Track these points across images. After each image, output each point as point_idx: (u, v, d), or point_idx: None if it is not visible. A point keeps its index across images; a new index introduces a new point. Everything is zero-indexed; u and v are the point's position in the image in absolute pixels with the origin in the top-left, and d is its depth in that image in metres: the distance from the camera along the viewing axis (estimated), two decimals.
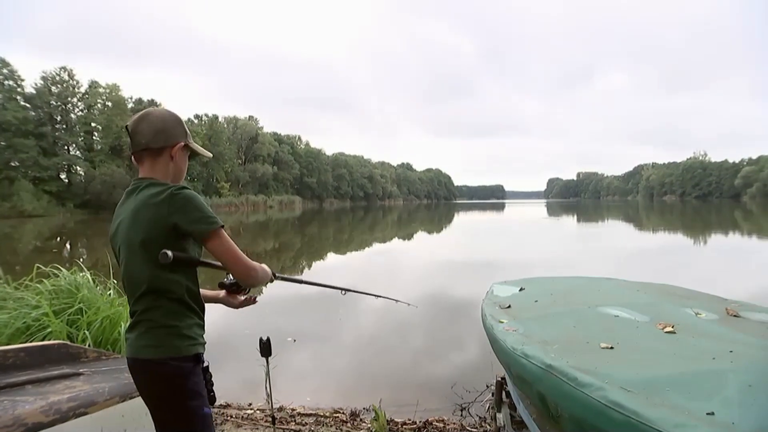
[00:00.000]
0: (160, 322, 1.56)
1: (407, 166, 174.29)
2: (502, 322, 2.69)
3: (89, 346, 3.55)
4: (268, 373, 2.62)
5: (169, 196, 1.53)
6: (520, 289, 3.73)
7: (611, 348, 2.03)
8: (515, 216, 51.88)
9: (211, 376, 1.68)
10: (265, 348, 2.58)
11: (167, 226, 1.53)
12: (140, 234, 1.54)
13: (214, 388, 1.70)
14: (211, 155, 1.89)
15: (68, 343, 2.75)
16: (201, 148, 1.83)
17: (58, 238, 27.47)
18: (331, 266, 14.81)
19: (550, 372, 1.86)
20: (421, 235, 27.05)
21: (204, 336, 1.69)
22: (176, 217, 1.52)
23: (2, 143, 46.55)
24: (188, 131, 1.78)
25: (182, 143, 1.73)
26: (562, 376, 1.79)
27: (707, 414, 1.43)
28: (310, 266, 15.08)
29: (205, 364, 1.65)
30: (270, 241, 22.59)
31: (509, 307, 3.14)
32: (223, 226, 1.57)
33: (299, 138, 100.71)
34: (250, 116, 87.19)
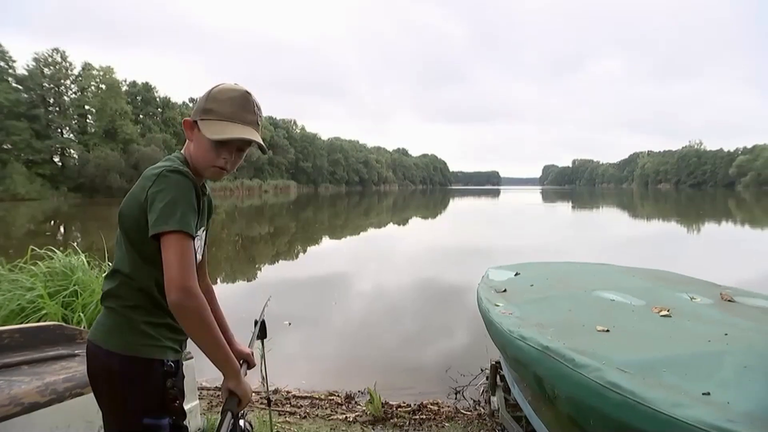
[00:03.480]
0: (118, 309, 1.40)
1: (403, 152, 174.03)
2: (497, 306, 2.70)
3: (84, 328, 3.55)
4: (263, 356, 2.62)
5: (158, 174, 1.34)
6: (516, 274, 3.74)
7: (607, 331, 2.04)
8: (510, 202, 51.95)
9: (180, 383, 1.49)
10: (260, 330, 2.56)
11: (142, 205, 1.35)
12: (122, 206, 1.41)
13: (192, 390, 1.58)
14: (226, 137, 1.42)
15: (64, 324, 2.73)
16: (218, 132, 1.41)
17: (52, 222, 27.34)
18: (326, 251, 14.80)
19: (547, 353, 1.87)
20: (416, 221, 27.06)
21: (181, 343, 1.50)
22: (149, 198, 1.33)
23: None
24: (214, 109, 1.42)
25: (189, 119, 1.46)
26: (558, 357, 1.80)
27: (703, 394, 1.44)
28: (305, 251, 15.08)
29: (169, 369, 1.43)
30: (265, 226, 22.55)
31: (505, 291, 3.15)
32: (182, 232, 1.29)
33: (295, 122, 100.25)
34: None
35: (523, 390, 2.72)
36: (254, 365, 1.75)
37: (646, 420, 1.41)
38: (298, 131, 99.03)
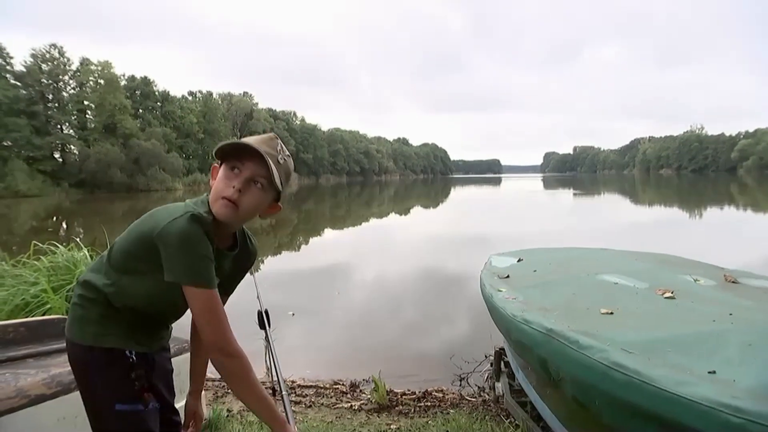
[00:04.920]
0: (78, 302, 1.46)
1: (403, 141, 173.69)
2: (501, 291, 2.70)
3: None
4: (267, 346, 2.62)
5: (176, 218, 1.32)
6: (518, 260, 3.74)
7: (611, 313, 2.04)
8: (512, 190, 51.89)
9: (154, 376, 1.51)
10: (263, 320, 2.56)
11: (146, 239, 1.34)
12: (121, 236, 1.43)
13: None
14: (223, 143, 1.36)
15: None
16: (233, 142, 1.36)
17: (54, 218, 27.38)
18: (328, 242, 14.84)
19: (551, 336, 1.87)
20: (417, 210, 27.06)
21: (150, 339, 1.52)
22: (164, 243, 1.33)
23: None
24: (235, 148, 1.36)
25: (216, 165, 1.42)
26: (563, 339, 1.80)
27: (708, 372, 1.44)
28: (307, 242, 15.12)
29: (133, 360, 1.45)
30: (267, 218, 22.54)
31: (508, 277, 3.14)
32: (213, 288, 1.33)
33: (295, 114, 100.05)
34: (244, 92, 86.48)
35: (527, 375, 2.73)
36: (200, 423, 1.75)
37: (651, 399, 1.41)
38: (298, 123, 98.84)
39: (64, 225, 23.80)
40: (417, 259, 10.64)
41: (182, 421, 1.67)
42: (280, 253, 12.45)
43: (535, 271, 3.16)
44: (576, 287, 2.52)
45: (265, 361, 2.67)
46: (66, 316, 2.84)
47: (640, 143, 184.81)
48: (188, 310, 1.58)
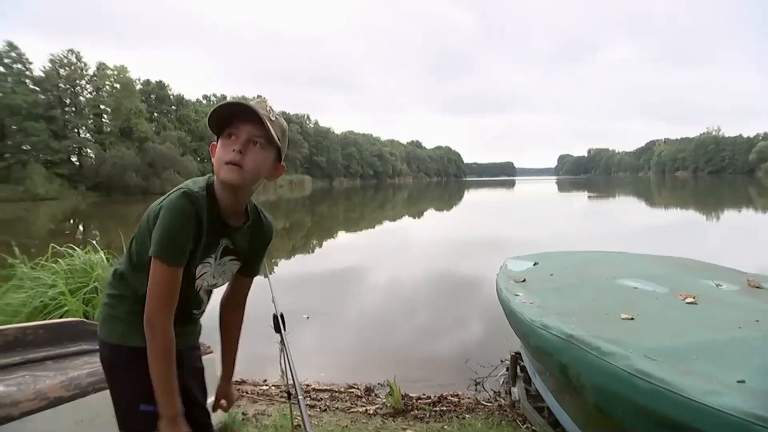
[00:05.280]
0: (107, 301, 1.50)
1: (417, 144, 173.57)
2: (518, 295, 2.67)
3: None
4: (282, 350, 2.61)
5: (167, 196, 1.37)
6: (534, 264, 3.70)
7: (632, 319, 2.00)
8: (525, 193, 51.63)
9: (184, 376, 1.48)
10: (279, 324, 2.54)
11: (151, 220, 1.38)
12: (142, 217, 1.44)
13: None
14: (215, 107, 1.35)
15: (85, 320, 2.75)
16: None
17: (72, 221, 27.72)
18: (342, 244, 14.85)
19: (571, 342, 1.83)
20: (431, 213, 27.02)
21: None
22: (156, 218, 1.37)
23: (13, 127, 46.76)
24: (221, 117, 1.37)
25: (214, 143, 1.43)
26: (583, 345, 1.76)
27: (737, 382, 1.40)
28: (321, 245, 15.15)
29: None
30: (281, 221, 22.63)
31: (524, 281, 3.11)
32: (173, 263, 1.32)
33: (308, 117, 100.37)
34: (258, 95, 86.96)
35: (545, 380, 2.69)
36: (231, 406, 1.77)
37: (677, 408, 1.38)
38: (312, 126, 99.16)
39: (81, 228, 24.09)
40: (430, 262, 10.61)
41: (211, 421, 1.65)
42: (293, 256, 12.48)
43: (551, 274, 3.12)
44: (594, 292, 2.48)
45: (280, 364, 2.66)
46: (84, 319, 2.87)
47: (655, 145, 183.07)
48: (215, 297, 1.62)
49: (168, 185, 49.13)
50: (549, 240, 11.82)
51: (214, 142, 1.41)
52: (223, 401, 1.73)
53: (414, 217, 24.34)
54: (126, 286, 1.45)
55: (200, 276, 1.45)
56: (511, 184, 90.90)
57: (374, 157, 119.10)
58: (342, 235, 17.39)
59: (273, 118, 1.37)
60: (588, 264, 3.38)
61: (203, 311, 1.60)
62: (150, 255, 1.31)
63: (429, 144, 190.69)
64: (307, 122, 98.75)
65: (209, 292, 1.57)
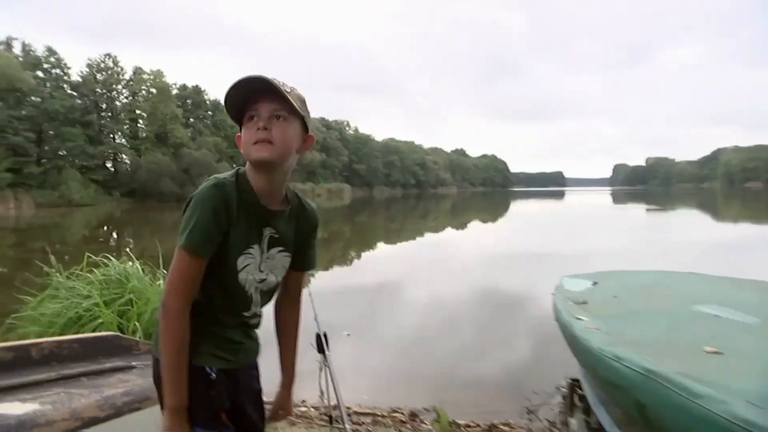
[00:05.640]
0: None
1: (461, 152, 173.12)
2: (580, 319, 2.57)
3: (140, 338, 3.63)
4: (324, 371, 2.57)
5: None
6: (594, 284, 3.59)
7: (719, 353, 1.87)
8: (577, 204, 50.67)
9: (237, 395, 1.49)
10: (322, 344, 2.51)
11: None
12: None
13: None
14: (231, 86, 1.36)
15: (120, 335, 2.79)
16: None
17: (106, 227, 28.64)
18: (382, 257, 14.84)
19: (652, 378, 1.73)
20: (476, 225, 26.78)
21: (235, 352, 1.48)
22: None
23: (50, 132, 48.87)
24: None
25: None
26: (667, 383, 1.66)
27: None
28: (359, 257, 15.17)
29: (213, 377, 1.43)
30: (319, 231, 22.78)
31: (585, 303, 3.00)
32: (193, 251, 1.34)
33: (348, 123, 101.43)
34: None
35: (611, 413, 2.57)
36: (289, 414, 1.74)
37: None
38: (352, 132, 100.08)
39: (115, 234, 24.85)
40: (476, 276, 10.47)
41: None
42: (332, 268, 12.53)
43: (615, 297, 3.00)
44: (669, 319, 2.36)
45: (320, 384, 2.63)
46: (118, 333, 2.91)
47: (722, 153, 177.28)
48: (270, 301, 1.59)
49: None
50: (605, 256, 11.50)
51: (238, 134, 1.43)
52: (281, 411, 1.70)
53: (458, 229, 24.16)
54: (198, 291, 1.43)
55: (243, 268, 1.43)
56: (560, 195, 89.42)
57: (416, 165, 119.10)
58: (382, 247, 17.41)
59: (288, 90, 1.39)
60: (657, 286, 3.24)
61: (257, 315, 1.54)
62: (177, 245, 1.34)
63: (474, 152, 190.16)
64: (347, 129, 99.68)
65: (263, 293, 1.52)
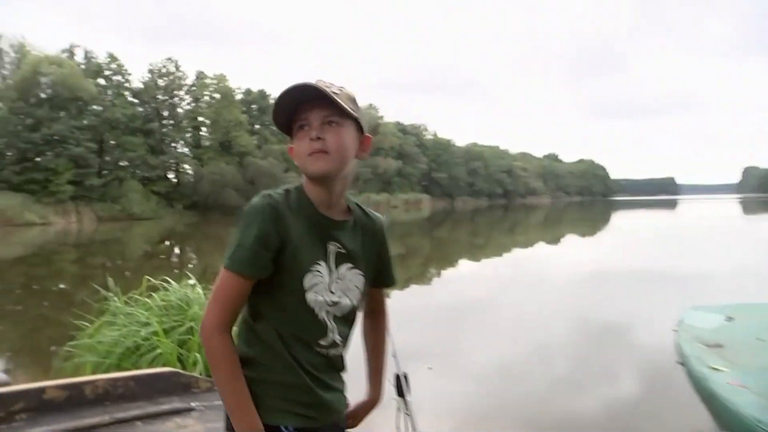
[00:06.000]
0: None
1: (553, 157, 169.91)
2: (717, 370, 2.34)
3: (200, 373, 3.68)
4: (405, 414, 2.49)
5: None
6: (728, 319, 3.31)
7: None
8: (694, 216, 48.38)
9: None
10: (402, 386, 2.42)
11: None
12: None
13: None
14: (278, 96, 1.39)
15: (179, 371, 2.83)
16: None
17: (167, 242, 29.97)
18: (465, 275, 14.71)
19: None
20: (571, 240, 26.12)
21: (317, 408, 1.43)
22: None
23: (111, 142, 51.78)
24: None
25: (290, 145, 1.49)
26: None
27: None
28: (439, 274, 15.22)
29: None
30: (395, 246, 22.81)
31: (720, 346, 2.76)
32: (236, 271, 1.35)
33: (426, 128, 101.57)
34: (369, 105, 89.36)
35: None
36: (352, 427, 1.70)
37: None
38: (430, 137, 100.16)
39: (177, 250, 25.94)
40: (572, 300, 10.17)
41: None
42: (408, 287, 12.51)
43: (760, 339, 2.74)
44: None
45: (397, 428, 2.55)
46: (177, 370, 2.94)
47: None
48: (350, 330, 1.54)
49: None
50: (737, 282, 10.80)
51: (290, 145, 1.45)
52: (349, 420, 1.66)
53: (551, 244, 23.68)
54: (254, 337, 1.42)
55: (311, 288, 1.40)
56: (672, 205, 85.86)
57: (503, 173, 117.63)
58: (465, 264, 17.34)
59: (337, 91, 1.39)
60: None
61: (336, 345, 1.48)
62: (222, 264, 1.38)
63: (568, 157, 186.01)
64: (425, 133, 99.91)
65: (338, 318, 1.47)
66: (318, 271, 1.40)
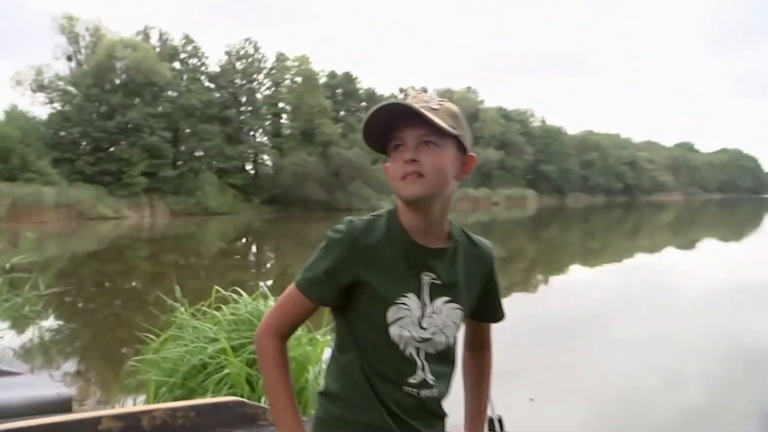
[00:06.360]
0: (318, 397, 1.59)
1: (687, 147, 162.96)
2: None
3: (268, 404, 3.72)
4: None
5: None
6: None
7: None
8: None
9: None
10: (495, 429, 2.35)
11: None
12: None
13: None
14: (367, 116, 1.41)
15: (245, 401, 2.86)
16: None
17: (244, 239, 31.02)
18: (575, 284, 14.57)
19: None
20: (710, 245, 25.07)
21: None
22: None
23: (186, 130, 53.94)
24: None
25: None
26: None
27: None
28: (546, 282, 15.29)
29: None
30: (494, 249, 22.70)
31: None
32: (302, 290, 1.48)
33: (533, 113, 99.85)
34: (468, 88, 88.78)
35: None
36: None
37: None
38: (538, 125, 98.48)
39: (254, 248, 26.78)
40: (711, 318, 9.91)
41: None
42: (509, 296, 12.36)
43: None
44: None
45: None
46: (243, 399, 2.98)
47: None
48: (450, 370, 1.57)
49: (355, 200, 52.27)
50: None
51: (385, 163, 1.49)
52: None
53: (683, 249, 22.85)
54: (339, 372, 1.51)
55: (395, 322, 1.43)
56: None
57: (624, 165, 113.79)
58: (576, 271, 17.26)
59: (436, 106, 1.42)
60: None
61: (429, 386, 1.48)
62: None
63: (707, 146, 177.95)
64: (531, 120, 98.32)
65: (431, 356, 1.48)
66: (405, 304, 1.43)
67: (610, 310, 10.65)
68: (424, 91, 1.54)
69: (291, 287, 1.49)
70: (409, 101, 1.40)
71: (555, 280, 15.66)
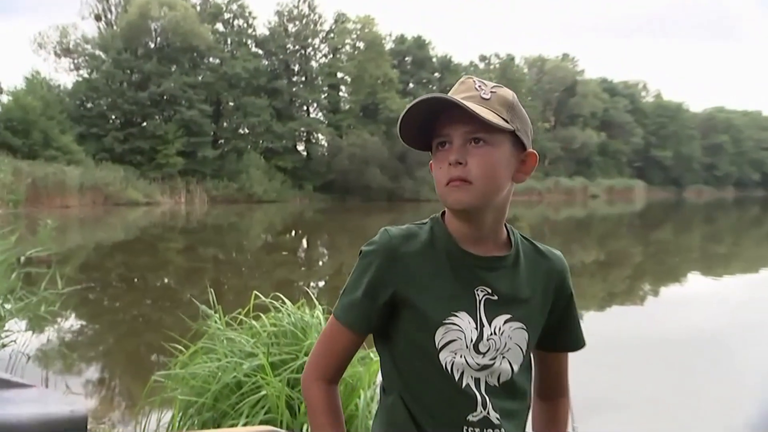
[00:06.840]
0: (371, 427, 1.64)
1: None
2: None
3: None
4: None
5: None
6: None
7: None
8: None
9: None
10: None
11: None
12: None
13: None
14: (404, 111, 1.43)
15: (279, 430, 2.84)
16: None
17: (293, 232, 31.28)
18: (692, 296, 14.21)
19: None
20: None
21: None
22: None
23: (230, 104, 54.63)
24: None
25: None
26: None
27: None
28: (656, 292, 15.10)
29: None
30: (590, 251, 22.38)
31: None
32: (340, 320, 1.51)
33: (644, 86, 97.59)
34: (564, 55, 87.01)
35: None
36: None
37: None
38: (651, 100, 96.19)
39: (305, 243, 26.97)
40: None
41: None
42: (606, 308, 12.20)
43: None
44: None
45: None
46: (276, 429, 2.95)
47: None
48: (521, 403, 1.54)
49: (424, 188, 52.11)
50: None
51: (431, 161, 1.50)
52: None
53: None
54: (385, 415, 1.53)
55: (445, 346, 1.42)
56: None
57: (764, 150, 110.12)
58: (694, 280, 16.86)
59: (486, 96, 1.40)
60: None
61: (493, 425, 1.43)
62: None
63: None
64: (643, 94, 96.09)
65: (492, 388, 1.45)
66: (456, 325, 1.41)
67: (741, 330, 10.30)
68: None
69: (330, 322, 1.53)
70: (456, 89, 1.43)
71: (665, 291, 15.38)
